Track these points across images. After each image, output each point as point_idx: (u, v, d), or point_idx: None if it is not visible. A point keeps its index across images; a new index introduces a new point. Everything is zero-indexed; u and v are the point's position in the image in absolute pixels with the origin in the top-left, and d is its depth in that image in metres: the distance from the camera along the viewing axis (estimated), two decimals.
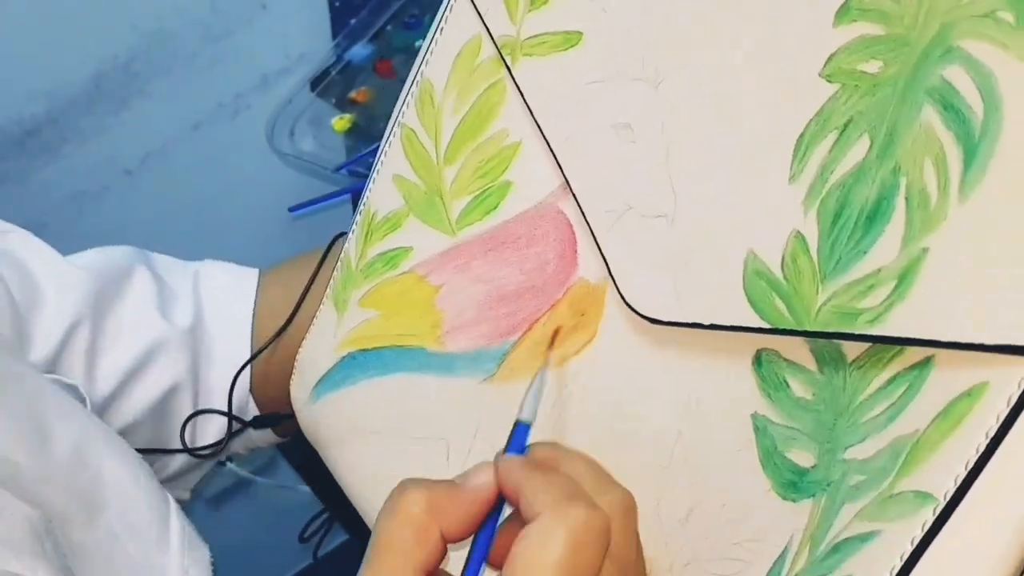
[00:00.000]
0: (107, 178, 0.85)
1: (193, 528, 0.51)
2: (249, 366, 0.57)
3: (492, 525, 0.37)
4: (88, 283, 0.55)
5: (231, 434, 0.55)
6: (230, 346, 0.57)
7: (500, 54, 0.42)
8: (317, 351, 0.48)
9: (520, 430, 0.38)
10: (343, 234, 0.56)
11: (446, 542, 0.36)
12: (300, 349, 0.49)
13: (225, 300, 0.59)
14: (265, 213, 0.89)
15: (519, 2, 0.41)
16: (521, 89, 0.42)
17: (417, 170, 0.45)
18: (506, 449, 0.38)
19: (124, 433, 0.54)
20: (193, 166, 0.86)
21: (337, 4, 0.83)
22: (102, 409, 0.55)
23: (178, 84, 0.83)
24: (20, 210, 0.80)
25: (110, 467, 0.48)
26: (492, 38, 0.42)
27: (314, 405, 0.48)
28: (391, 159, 0.46)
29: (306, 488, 0.73)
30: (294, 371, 0.50)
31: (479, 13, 0.42)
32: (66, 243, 0.79)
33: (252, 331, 0.58)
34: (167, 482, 0.59)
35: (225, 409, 0.57)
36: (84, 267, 0.56)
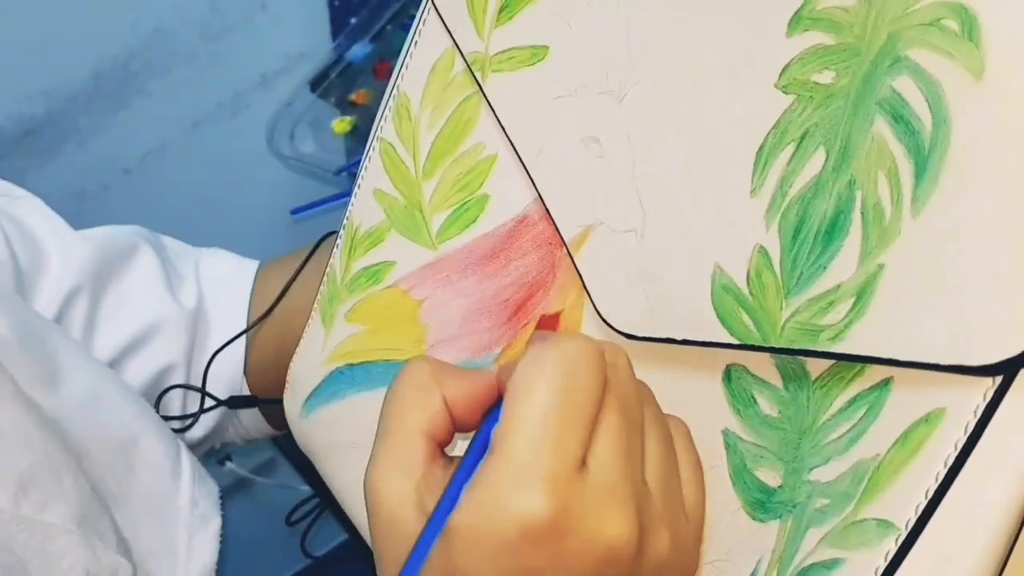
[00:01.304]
0: (106, 177, 0.85)
1: (201, 464, 0.52)
2: (244, 352, 0.57)
3: (492, 422, 0.35)
4: (92, 253, 0.55)
5: (203, 409, 0.56)
6: (226, 333, 0.58)
7: (470, 70, 0.42)
8: (306, 366, 0.49)
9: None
10: (333, 232, 0.56)
11: (453, 419, 0.35)
12: (291, 363, 0.50)
13: (223, 288, 0.59)
14: (265, 212, 0.89)
15: (485, 18, 0.41)
16: (492, 104, 0.41)
17: (397, 184, 0.45)
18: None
19: None
20: (192, 165, 0.86)
21: (337, 4, 0.83)
22: None
23: (177, 83, 0.83)
24: None
25: (124, 408, 0.50)
26: (462, 54, 0.42)
27: (306, 419, 0.49)
28: (371, 173, 0.46)
29: (306, 488, 0.74)
30: (286, 385, 0.50)
31: (448, 29, 0.42)
32: None
33: (247, 320, 0.58)
34: None
35: (218, 393, 0.57)
36: (91, 238, 0.56)
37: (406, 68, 0.44)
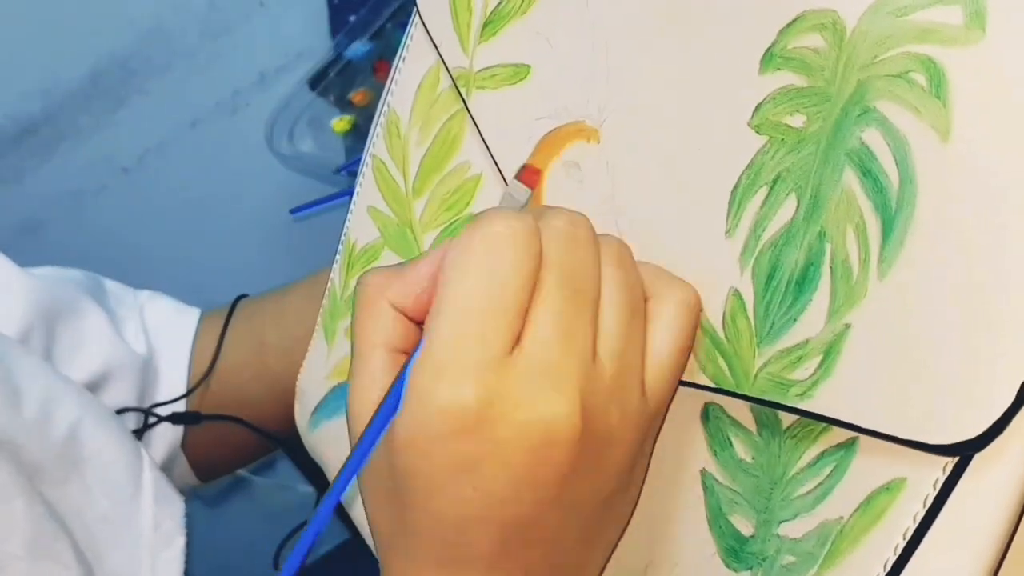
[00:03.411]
0: (105, 176, 0.85)
1: (168, 482, 0.52)
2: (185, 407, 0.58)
3: None
4: (42, 293, 0.54)
5: (146, 426, 0.55)
6: (170, 384, 0.58)
7: (455, 85, 0.40)
8: (312, 380, 0.49)
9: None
10: (244, 296, 0.58)
11: (409, 318, 0.34)
12: (298, 378, 0.50)
13: (169, 338, 0.59)
14: (264, 211, 0.88)
15: (470, 33, 0.40)
16: (476, 122, 0.40)
17: (389, 202, 0.44)
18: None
19: None
20: (191, 164, 0.86)
21: (336, 2, 0.82)
22: None
23: (176, 82, 0.82)
24: (17, 209, 0.82)
25: (83, 423, 0.49)
26: (447, 69, 0.41)
27: (313, 433, 0.49)
28: (365, 190, 0.45)
29: (306, 488, 0.74)
30: (296, 398, 0.50)
31: (434, 44, 0.41)
32: (64, 241, 0.80)
33: (188, 372, 0.58)
34: None
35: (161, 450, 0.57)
36: (40, 277, 0.55)
37: (395, 84, 0.43)
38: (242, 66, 0.84)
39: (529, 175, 0.38)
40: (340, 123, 0.75)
